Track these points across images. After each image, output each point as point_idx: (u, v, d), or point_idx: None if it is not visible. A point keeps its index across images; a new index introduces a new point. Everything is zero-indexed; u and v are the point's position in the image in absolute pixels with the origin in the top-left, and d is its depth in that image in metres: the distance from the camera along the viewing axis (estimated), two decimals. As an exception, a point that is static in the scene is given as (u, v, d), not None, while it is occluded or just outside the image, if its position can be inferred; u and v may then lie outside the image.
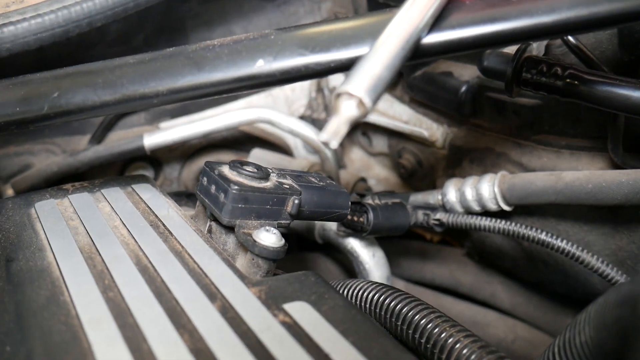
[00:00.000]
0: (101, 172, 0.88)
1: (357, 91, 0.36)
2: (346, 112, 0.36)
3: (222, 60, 0.47)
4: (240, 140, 0.95)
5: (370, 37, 0.46)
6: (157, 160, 0.93)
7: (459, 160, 0.86)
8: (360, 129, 1.05)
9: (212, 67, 0.47)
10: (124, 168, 0.90)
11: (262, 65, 0.46)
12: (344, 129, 0.36)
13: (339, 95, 0.37)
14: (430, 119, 0.89)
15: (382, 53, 0.39)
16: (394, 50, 0.40)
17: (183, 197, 0.71)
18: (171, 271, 0.46)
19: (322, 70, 0.46)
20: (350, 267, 0.92)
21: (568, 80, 0.59)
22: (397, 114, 0.94)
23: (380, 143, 1.03)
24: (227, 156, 0.95)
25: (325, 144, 0.36)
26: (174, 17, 0.86)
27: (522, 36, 0.46)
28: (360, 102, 0.36)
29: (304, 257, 0.96)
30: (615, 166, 0.70)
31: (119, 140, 0.84)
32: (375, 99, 0.37)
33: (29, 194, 0.61)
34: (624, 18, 0.45)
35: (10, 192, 0.80)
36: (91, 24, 0.62)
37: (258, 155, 0.91)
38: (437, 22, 0.46)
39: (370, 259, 0.80)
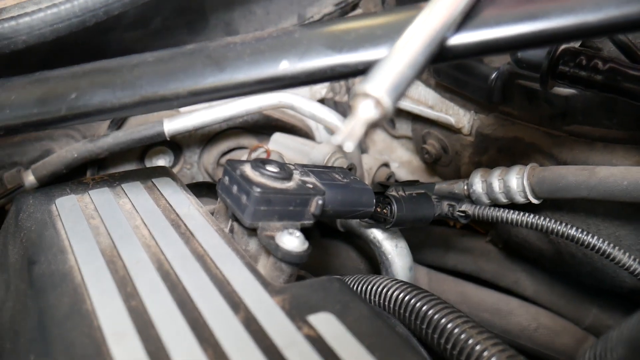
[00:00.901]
0: (121, 157, 0.88)
1: (376, 91, 0.34)
2: (363, 113, 0.34)
3: (245, 61, 0.45)
4: (261, 123, 0.93)
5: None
6: (177, 144, 0.91)
7: (485, 149, 0.83)
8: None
9: (234, 68, 0.45)
10: (144, 152, 0.90)
11: (286, 67, 0.44)
12: (360, 131, 0.34)
13: (356, 95, 0.35)
14: (456, 105, 0.86)
15: (403, 53, 0.37)
16: (415, 51, 0.37)
17: (203, 188, 0.70)
18: (193, 278, 0.46)
19: (349, 72, 0.44)
20: (371, 255, 0.91)
21: (608, 74, 0.56)
22: (422, 97, 0.91)
23: (403, 126, 1.00)
24: (248, 140, 0.93)
25: (340, 147, 0.34)
26: (192, -2, 0.83)
27: (564, 36, 0.43)
28: (379, 103, 0.34)
29: (326, 243, 0.95)
30: (652, 161, 0.67)
31: (138, 125, 0.83)
32: (395, 100, 0.35)
33: (49, 189, 0.60)
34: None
35: (30, 177, 0.80)
36: (108, 13, 0.60)
37: (279, 140, 0.89)
38: (467, 19, 0.43)
39: (393, 249, 0.79)
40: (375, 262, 0.86)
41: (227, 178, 0.54)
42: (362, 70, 0.44)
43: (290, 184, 0.53)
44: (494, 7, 0.44)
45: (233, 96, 0.46)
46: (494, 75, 0.76)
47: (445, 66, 0.83)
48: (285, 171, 0.54)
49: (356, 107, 0.33)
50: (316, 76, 0.44)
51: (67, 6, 0.58)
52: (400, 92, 0.35)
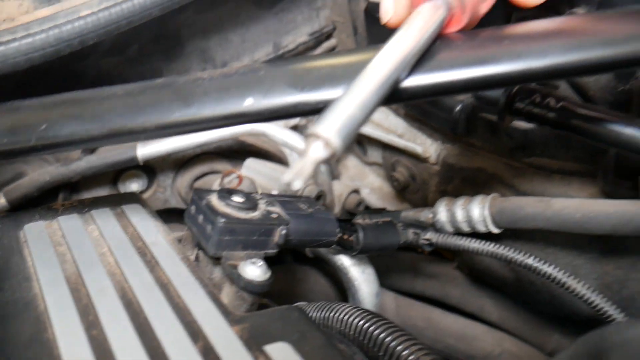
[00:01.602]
0: (94, 180, 0.88)
1: (326, 132, 0.35)
2: (313, 153, 0.35)
3: (211, 97, 0.47)
4: (235, 148, 0.95)
5: (359, 79, 0.45)
6: (150, 167, 0.92)
7: (451, 178, 0.86)
8: (355, 137, 1.05)
9: (200, 104, 0.47)
10: (118, 175, 0.90)
11: (251, 104, 0.46)
12: (309, 170, 0.35)
13: (307, 136, 0.36)
14: (424, 134, 0.89)
15: (353, 96, 0.38)
16: (366, 94, 0.39)
17: (174, 214, 0.71)
18: (155, 307, 0.47)
19: (311, 110, 0.46)
20: (340, 281, 0.92)
21: (560, 112, 0.59)
22: (392, 126, 0.94)
23: (374, 153, 1.03)
24: (221, 165, 0.95)
25: (288, 185, 0.35)
26: (169, 26, 0.85)
27: (511, 81, 0.45)
28: (328, 144, 0.35)
29: (295, 268, 0.96)
30: (606, 193, 0.70)
31: (112, 149, 0.84)
32: (345, 141, 0.36)
33: (18, 214, 0.61)
34: (618, 64, 0.45)
35: (2, 200, 0.80)
36: (83, 43, 0.62)
37: (251, 166, 0.91)
38: (422, 61, 0.45)
39: (360, 275, 0.81)
40: (343, 288, 0.88)
41: (193, 207, 0.55)
42: (322, 108, 0.46)
43: (254, 214, 0.54)
44: (448, 51, 0.47)
45: (199, 130, 0.48)
46: (458, 107, 0.79)
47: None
48: (250, 201, 0.55)
49: (307, 147, 0.35)
50: (279, 113, 0.46)
51: (41, 36, 0.59)
52: (351, 132, 0.37)
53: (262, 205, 0.57)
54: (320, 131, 0.35)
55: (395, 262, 1.02)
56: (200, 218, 0.53)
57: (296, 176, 0.34)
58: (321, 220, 0.60)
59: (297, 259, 0.97)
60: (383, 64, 0.41)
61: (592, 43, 0.44)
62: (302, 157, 0.35)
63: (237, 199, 0.55)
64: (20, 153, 0.48)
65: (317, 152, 0.34)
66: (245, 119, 0.47)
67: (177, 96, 0.48)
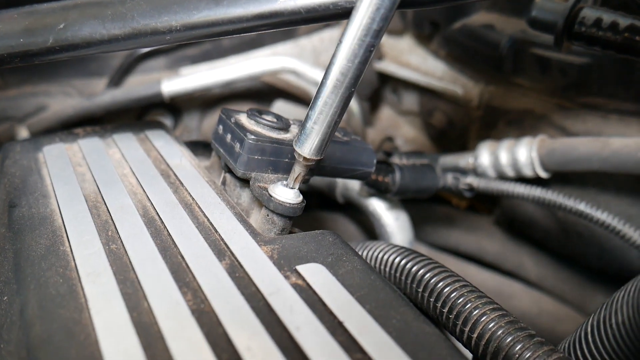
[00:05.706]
0: (118, 118, 0.85)
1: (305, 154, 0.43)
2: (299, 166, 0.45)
3: (242, -5, 0.42)
4: (264, 92, 0.91)
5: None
6: (176, 108, 0.89)
7: (494, 122, 0.80)
8: (390, 85, 0.99)
9: (230, 2, 0.42)
10: (142, 115, 0.87)
11: (285, 1, 0.41)
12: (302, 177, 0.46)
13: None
14: (466, 76, 0.83)
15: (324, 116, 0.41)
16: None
17: (199, 146, 0.67)
18: (179, 225, 0.43)
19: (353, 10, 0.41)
20: (371, 230, 0.88)
21: (627, 34, 0.53)
22: (430, 69, 0.88)
23: (410, 101, 0.97)
24: (249, 107, 0.90)
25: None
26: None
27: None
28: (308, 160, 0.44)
29: (323, 216, 0.92)
30: (669, 135, 0.64)
31: (137, 85, 0.81)
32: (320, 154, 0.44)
33: (38, 138, 0.58)
34: None
35: (24, 132, 0.78)
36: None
37: (281, 107, 0.87)
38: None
39: (393, 222, 0.76)
40: (374, 238, 0.84)
41: (220, 127, 0.51)
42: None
43: (286, 135, 0.50)
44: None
45: (230, 33, 0.43)
46: (505, 42, 0.73)
47: (456, 34, 0.80)
48: (282, 122, 0.51)
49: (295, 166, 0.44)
50: (318, 12, 0.42)
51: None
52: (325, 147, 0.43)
53: (295, 128, 0.52)
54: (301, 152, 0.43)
55: (430, 214, 0.97)
56: (228, 137, 0.49)
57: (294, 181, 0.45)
58: (358, 149, 0.55)
59: (326, 206, 0.93)
60: None
61: None
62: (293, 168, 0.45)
63: (268, 118, 0.50)
64: (37, 55, 0.45)
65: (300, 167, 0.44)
66: (279, 19, 0.42)
67: (205, -5, 0.43)
